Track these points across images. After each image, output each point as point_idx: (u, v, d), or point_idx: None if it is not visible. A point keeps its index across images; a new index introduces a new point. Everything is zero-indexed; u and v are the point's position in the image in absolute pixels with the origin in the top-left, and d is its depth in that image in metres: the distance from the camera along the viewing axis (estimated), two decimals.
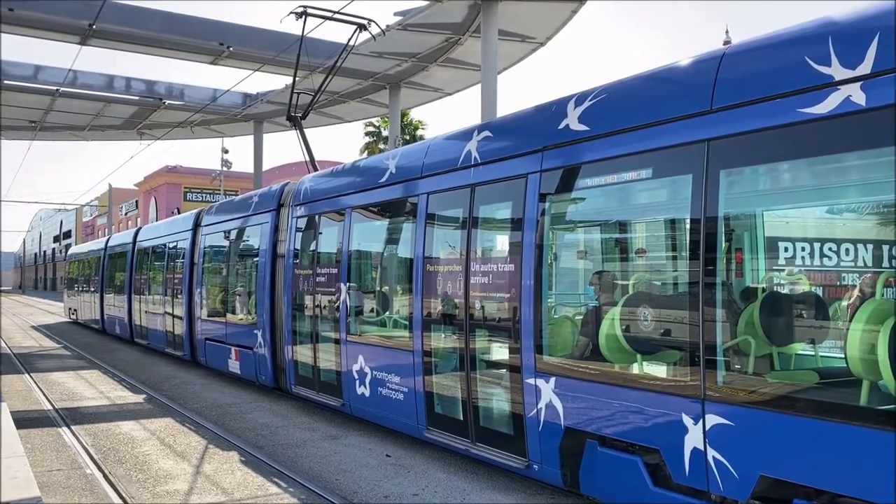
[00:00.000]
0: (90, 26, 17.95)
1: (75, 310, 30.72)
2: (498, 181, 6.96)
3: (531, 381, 6.37)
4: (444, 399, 7.69)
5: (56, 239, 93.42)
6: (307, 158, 13.60)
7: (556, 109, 6.46)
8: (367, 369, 8.95)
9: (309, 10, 12.24)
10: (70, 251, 37.18)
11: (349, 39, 12.92)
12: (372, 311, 9.72)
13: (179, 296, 16.27)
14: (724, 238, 5.02)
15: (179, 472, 7.63)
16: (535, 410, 6.34)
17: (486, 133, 7.35)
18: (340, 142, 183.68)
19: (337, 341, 9.64)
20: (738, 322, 5.29)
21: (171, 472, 7.59)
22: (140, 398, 12.23)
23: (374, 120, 45.00)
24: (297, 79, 14.08)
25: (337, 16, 12.59)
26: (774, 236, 5.80)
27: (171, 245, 17.65)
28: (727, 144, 4.84)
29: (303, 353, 10.68)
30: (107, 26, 18.23)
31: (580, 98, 6.21)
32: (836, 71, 4.27)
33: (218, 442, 8.96)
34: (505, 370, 6.85)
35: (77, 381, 14.22)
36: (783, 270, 5.87)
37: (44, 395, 12.44)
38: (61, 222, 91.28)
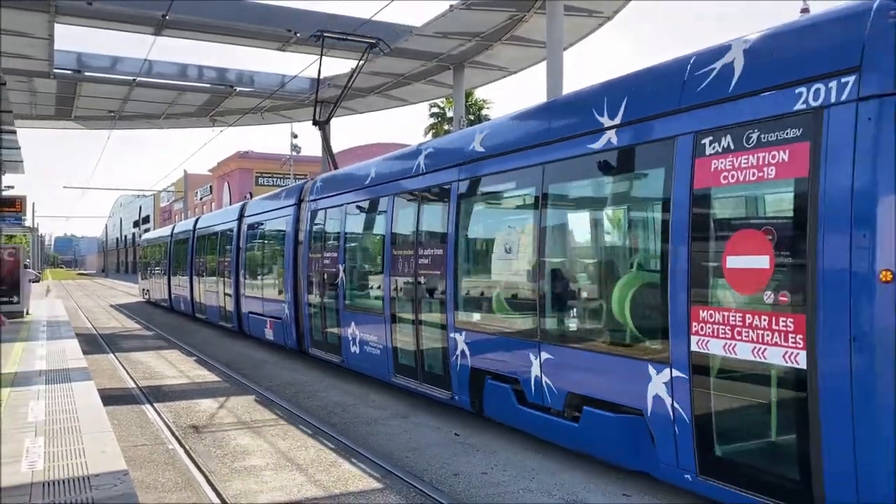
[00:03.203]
0: (163, 17, 18.43)
1: (148, 290, 33.75)
2: (435, 186, 9.37)
3: (452, 335, 8.71)
4: (404, 352, 10.02)
5: (136, 224, 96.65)
6: (329, 160, 16.29)
7: (469, 135, 8.90)
8: (357, 332, 11.38)
9: (325, 34, 14.86)
10: (143, 237, 40.74)
11: (360, 58, 15.77)
12: (360, 287, 11.99)
13: (229, 277, 19.07)
14: (550, 231, 7.47)
15: (256, 448, 7.88)
16: (455, 357, 8.69)
17: (430, 150, 9.73)
18: (406, 123, 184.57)
19: (337, 311, 12.13)
20: (554, 292, 7.44)
21: (248, 449, 7.85)
22: (214, 375, 12.67)
23: (438, 101, 45.00)
24: (319, 80, 16.75)
25: (350, 37, 15.35)
26: (573, 229, 7.89)
27: (223, 232, 20.39)
28: (553, 167, 7.22)
29: (315, 321, 13.23)
30: (179, 16, 18.69)
31: (482, 129, 8.74)
32: (605, 121, 6.53)
33: (291, 418, 9.21)
34: (438, 329, 9.13)
35: (157, 359, 14.81)
36: (579, 256, 7.84)
37: (127, 373, 13.00)
38: (140, 208, 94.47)
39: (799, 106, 4.87)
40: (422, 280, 9.51)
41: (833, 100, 4.69)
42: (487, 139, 8.43)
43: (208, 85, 27.21)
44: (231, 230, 19.44)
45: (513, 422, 7.95)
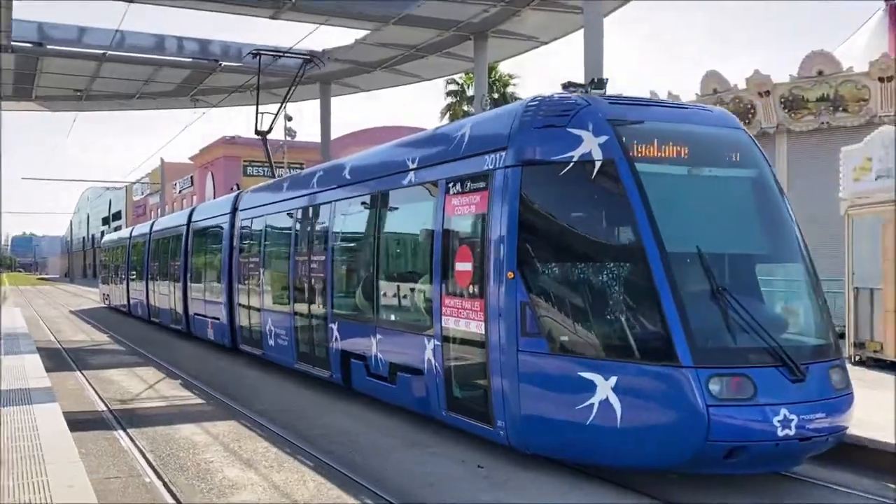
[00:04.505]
0: None
1: (108, 295, 37.85)
2: (323, 204, 13.35)
3: (330, 325, 12.46)
4: (303, 342, 13.76)
5: (105, 221, 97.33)
6: (270, 171, 20.72)
7: (341, 165, 13.33)
8: (272, 328, 15.14)
9: (262, 52, 19.61)
10: (103, 239, 46.07)
11: (298, 71, 19.42)
12: (275, 288, 15.66)
13: (179, 280, 22.75)
14: (383, 243, 11.28)
15: (246, 481, 7.89)
16: (332, 343, 12.37)
17: (321, 173, 14.06)
18: (420, 103, 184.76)
19: (259, 310, 16.06)
20: (382, 288, 11.15)
21: (238, 482, 7.86)
22: (196, 396, 12.72)
23: (456, 77, 44.95)
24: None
25: (286, 54, 19.78)
26: (395, 242, 11.59)
27: (174, 237, 23.95)
28: (385, 194, 11.12)
29: (244, 320, 17.21)
30: None
31: (349, 161, 13.14)
32: (410, 164, 10.32)
33: (286, 447, 9.22)
34: (323, 321, 12.79)
35: (130, 377, 14.90)
36: (397, 262, 11.57)
37: (97, 394, 13.08)
38: (110, 202, 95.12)
39: (485, 167, 8.65)
40: (314, 281, 13.39)
41: (496, 166, 8.47)
42: (351, 170, 12.66)
43: (189, 59, 27.38)
44: (181, 235, 22.99)
45: (366, 390, 11.59)
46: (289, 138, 46.53)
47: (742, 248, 8.29)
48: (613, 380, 7.25)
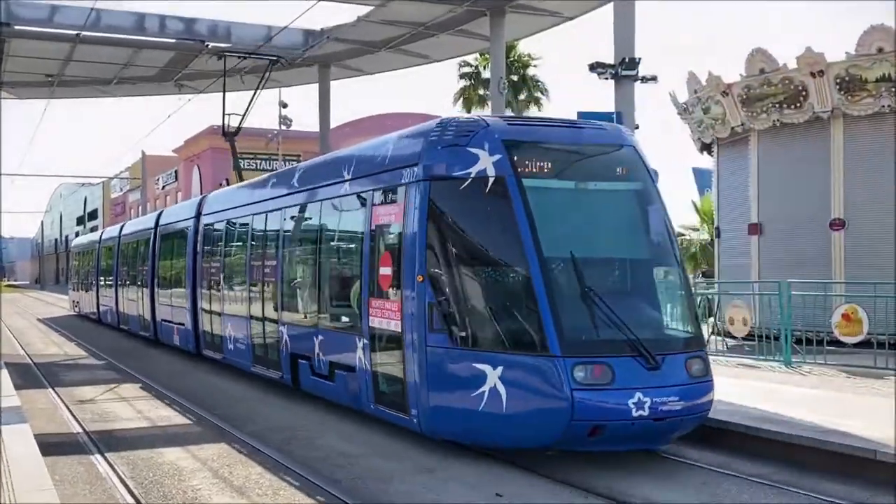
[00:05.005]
0: None
1: (78, 302, 40.13)
2: (273, 211, 15.39)
3: (280, 329, 14.44)
4: (258, 346, 15.77)
5: (79, 221, 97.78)
6: (237, 174, 22.13)
7: (291, 172, 15.44)
8: (232, 332, 17.28)
9: (227, 53, 22.04)
10: (73, 244, 48.45)
11: (264, 74, 21.67)
12: (234, 294, 17.51)
13: (146, 286, 24.62)
14: (324, 250, 13.24)
15: None
16: (282, 345, 14.28)
17: (274, 180, 16.31)
18: (431, 86, 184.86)
19: (220, 315, 18.06)
20: (322, 294, 13.31)
21: None
22: (180, 416, 12.81)
23: (470, 58, 44.88)
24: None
25: (252, 55, 21.74)
26: (333, 249, 13.35)
27: (142, 241, 25.92)
28: (327, 202, 13.07)
29: (206, 326, 19.21)
30: None
31: (300, 169, 15.18)
32: (346, 175, 12.32)
33: (282, 472, 9.28)
34: (275, 325, 14.79)
35: (107, 395, 14.99)
36: (336, 268, 13.28)
37: (71, 414, 13.18)
38: (85, 200, 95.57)
39: (402, 181, 10.53)
40: (267, 286, 15.53)
41: (410, 180, 10.33)
42: (299, 179, 14.63)
43: (173, 40, 27.44)
44: (149, 239, 24.88)
45: (311, 389, 13.46)
46: (284, 127, 46.60)
47: (618, 254, 10.42)
48: (500, 370, 9.13)
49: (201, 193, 49.08)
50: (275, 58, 21.22)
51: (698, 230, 36.88)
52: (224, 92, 22.82)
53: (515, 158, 9.66)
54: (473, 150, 9.77)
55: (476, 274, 9.80)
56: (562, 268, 9.52)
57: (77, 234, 78.31)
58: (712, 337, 18.58)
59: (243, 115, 22.12)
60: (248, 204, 16.92)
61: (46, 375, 17.98)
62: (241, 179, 20.63)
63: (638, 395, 8.73)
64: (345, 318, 12.32)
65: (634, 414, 8.69)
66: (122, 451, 10.51)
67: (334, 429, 11.84)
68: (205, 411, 13.22)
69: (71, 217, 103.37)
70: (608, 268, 10.27)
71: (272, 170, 36.11)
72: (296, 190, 14.53)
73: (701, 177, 37.80)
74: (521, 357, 9.11)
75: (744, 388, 12.80)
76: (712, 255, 26.44)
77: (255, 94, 21.56)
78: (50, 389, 15.90)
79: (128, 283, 27.91)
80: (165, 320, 22.72)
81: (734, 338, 17.93)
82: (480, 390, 9.17)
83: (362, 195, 11.70)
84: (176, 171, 66.87)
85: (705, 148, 23.81)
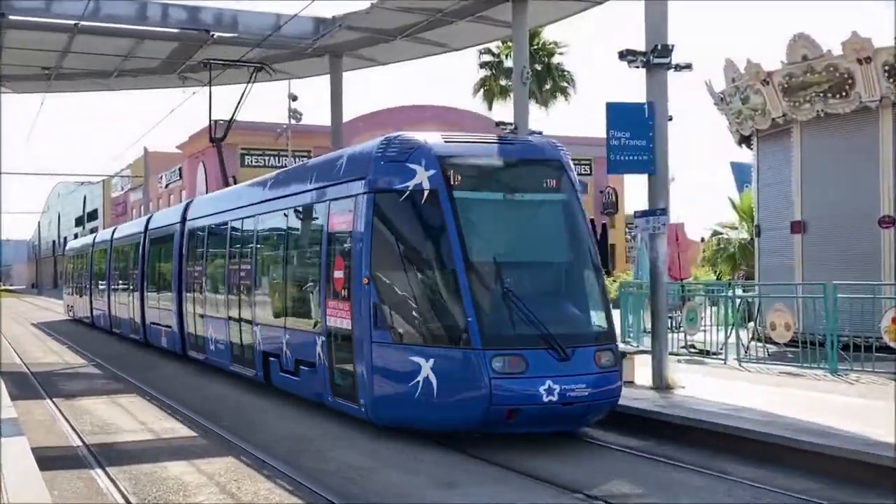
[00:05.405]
0: None
1: (72, 307, 42.25)
2: (248, 218, 17.44)
3: (254, 329, 16.42)
4: (235, 346, 17.60)
5: (78, 221, 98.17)
6: (222, 178, 24.62)
7: (266, 180, 17.61)
8: (213, 334, 19.21)
9: (211, 62, 24.11)
10: (67, 247, 51.28)
11: (248, 79, 23.23)
12: (216, 297, 19.28)
13: (136, 290, 26.56)
14: (292, 255, 15.45)
15: None
16: (256, 344, 16.26)
17: (249, 187, 18.81)
18: (449, 76, 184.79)
19: (203, 317, 19.98)
20: (288, 295, 15.39)
21: None
22: (185, 427, 12.86)
23: (492, 46, 44.84)
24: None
25: (237, 63, 23.91)
26: (298, 253, 15.38)
27: (133, 245, 27.99)
28: (293, 210, 15.23)
29: (191, 328, 21.11)
30: None
31: (272, 177, 17.48)
32: (310, 186, 14.57)
33: (293, 487, 9.30)
34: (250, 326, 16.72)
35: (108, 406, 15.10)
36: (301, 271, 15.20)
37: (70, 426, 13.28)
38: (85, 199, 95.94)
39: (353, 192, 12.38)
40: (243, 289, 17.47)
41: (359, 191, 12.15)
42: (272, 185, 16.81)
43: (176, 30, 27.45)
44: (138, 243, 26.83)
45: (280, 385, 15.33)
46: (294, 121, 46.53)
47: (538, 258, 12.38)
48: (432, 361, 11.01)
49: (207, 192, 49.33)
50: (258, 65, 23.39)
51: (737, 229, 36.69)
52: (210, 99, 25.16)
53: (448, 173, 11.49)
54: (412, 166, 11.62)
55: (413, 277, 11.72)
56: (485, 271, 11.42)
57: (76, 236, 78.75)
58: (752, 343, 18.51)
59: (229, 123, 24.27)
60: (227, 210, 18.97)
61: (43, 384, 18.13)
62: (227, 185, 22.47)
63: (549, 382, 10.55)
64: (307, 318, 14.16)
65: (545, 399, 10.51)
66: (124, 465, 10.57)
67: (347, 440, 11.85)
68: (209, 421, 13.28)
69: (69, 217, 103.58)
70: (529, 271, 12.08)
71: (281, 166, 38.20)
72: (267, 198, 16.61)
73: (740, 171, 37.45)
74: (448, 350, 11.10)
75: (786, 397, 12.75)
76: (752, 255, 26.35)
77: (241, 99, 23.54)
78: (48, 400, 16.03)
79: (120, 286, 30.06)
80: (154, 323, 24.79)
81: (776, 344, 17.87)
82: (416, 380, 11.03)
83: (320, 204, 13.77)
84: (180, 169, 66.87)
85: (744, 140, 23.75)
